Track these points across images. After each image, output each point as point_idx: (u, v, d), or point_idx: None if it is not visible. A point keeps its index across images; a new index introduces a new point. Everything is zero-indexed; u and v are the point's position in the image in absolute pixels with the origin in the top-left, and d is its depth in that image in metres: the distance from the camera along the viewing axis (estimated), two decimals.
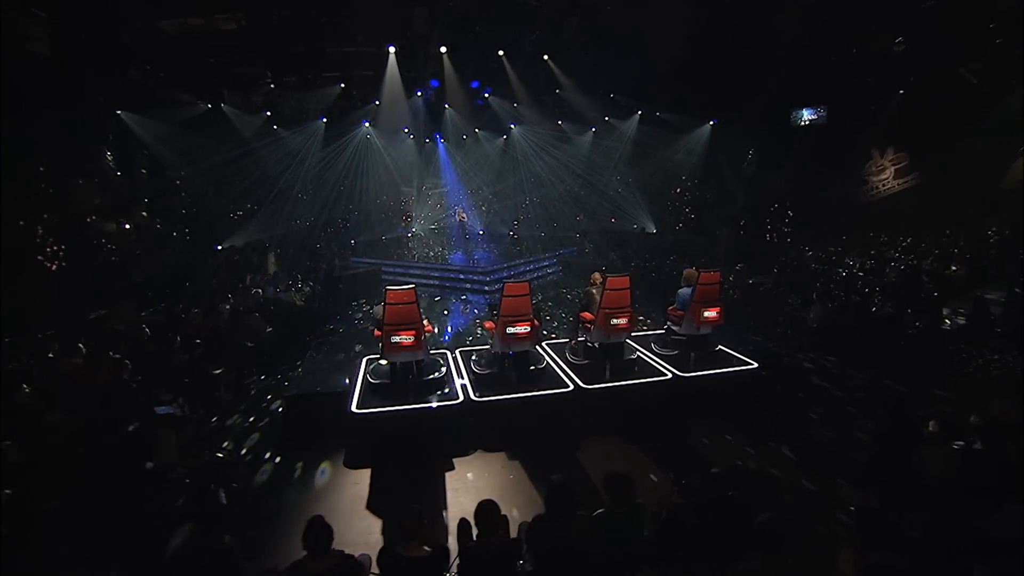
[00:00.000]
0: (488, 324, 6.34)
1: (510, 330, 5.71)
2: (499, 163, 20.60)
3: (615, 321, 6.05)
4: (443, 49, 12.28)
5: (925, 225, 12.11)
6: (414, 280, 13.92)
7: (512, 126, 19.06)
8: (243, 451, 5.29)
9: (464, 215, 17.32)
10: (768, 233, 15.22)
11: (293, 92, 14.89)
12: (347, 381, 5.92)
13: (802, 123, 14.38)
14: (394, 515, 4.12)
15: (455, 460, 5.01)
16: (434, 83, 16.07)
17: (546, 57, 12.98)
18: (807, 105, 14.25)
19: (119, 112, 11.97)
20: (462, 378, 6.00)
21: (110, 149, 11.79)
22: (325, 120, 16.78)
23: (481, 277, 12.73)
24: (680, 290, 6.69)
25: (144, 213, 12.05)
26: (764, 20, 11.38)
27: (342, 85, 15.08)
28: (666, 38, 11.60)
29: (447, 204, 20.25)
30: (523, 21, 11.20)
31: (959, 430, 3.75)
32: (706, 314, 6.34)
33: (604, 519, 2.80)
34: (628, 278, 6.04)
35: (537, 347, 6.76)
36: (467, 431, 5.34)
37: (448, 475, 4.75)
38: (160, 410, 4.20)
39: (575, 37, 11.61)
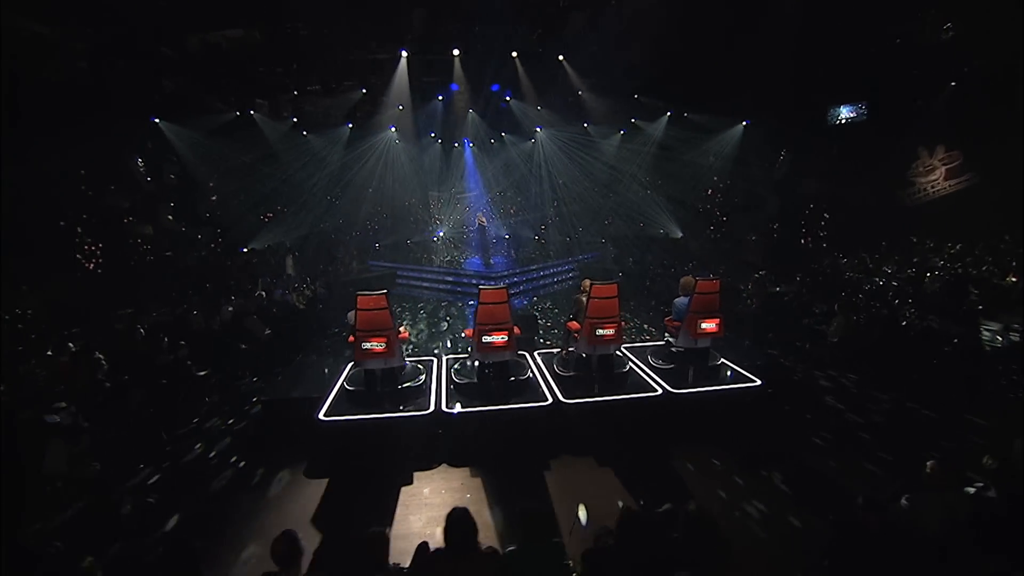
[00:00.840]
0: (467, 332, 6.09)
1: (486, 339, 5.47)
2: (525, 167, 20.38)
3: (601, 331, 5.70)
4: (455, 52, 12.17)
5: (979, 230, 10.94)
6: (427, 284, 14.06)
7: (538, 129, 18.82)
8: (211, 454, 5.26)
9: (484, 219, 17.14)
10: (803, 238, 14.25)
11: (317, 98, 15.24)
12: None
13: (840, 121, 13.37)
14: (337, 532, 3.94)
15: (416, 474, 4.77)
16: (453, 87, 16.02)
17: (561, 58, 12.62)
18: (845, 102, 13.24)
19: (156, 120, 12.59)
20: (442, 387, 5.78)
21: (142, 156, 12.38)
22: (351, 125, 17.04)
23: (468, 280, 12.51)
24: (676, 299, 6.22)
25: (170, 217, 12.58)
26: (797, 10, 10.62)
27: (364, 91, 15.27)
28: (693, 32, 11.05)
29: (470, 208, 20.18)
30: (530, 18, 10.91)
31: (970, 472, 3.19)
32: (703, 326, 5.86)
33: (509, 558, 2.48)
34: (616, 286, 5.66)
35: (527, 357, 6.50)
36: (434, 444, 5.09)
37: (403, 490, 4.51)
38: (48, 419, 4.09)
39: (588, 32, 11.26)
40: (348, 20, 11.06)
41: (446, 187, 21.64)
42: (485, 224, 17.01)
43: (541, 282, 13.48)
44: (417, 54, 12.33)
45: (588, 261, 15.78)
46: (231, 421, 5.99)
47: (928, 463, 2.93)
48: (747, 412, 5.62)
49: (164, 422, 5.41)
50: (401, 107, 16.10)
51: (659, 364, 6.28)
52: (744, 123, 15.55)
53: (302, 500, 4.40)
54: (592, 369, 6.01)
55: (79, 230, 11.15)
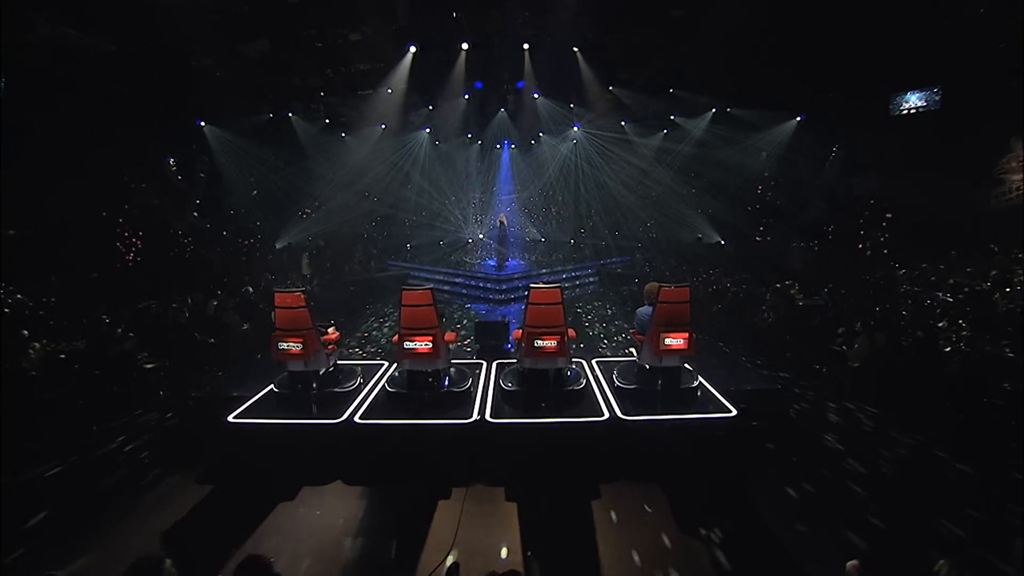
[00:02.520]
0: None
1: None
2: (563, 168, 19.76)
3: (540, 343, 4.94)
4: (464, 46, 11.78)
5: None
6: (443, 287, 13.71)
7: (576, 128, 18.13)
8: (127, 448, 5.10)
9: (505, 219, 16.62)
10: (860, 244, 12.42)
11: (350, 99, 15.49)
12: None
13: (906, 110, 11.49)
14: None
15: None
16: (478, 84, 15.68)
17: (576, 49, 11.86)
18: (914, 87, 11.36)
19: (202, 124, 13.32)
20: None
21: (174, 156, 13.09)
22: (384, 126, 17.21)
23: (494, 285, 11.92)
24: (640, 308, 5.33)
25: (196, 214, 13.19)
26: None
27: (389, 91, 15.30)
28: (741, 17, 9.91)
29: (495, 209, 19.76)
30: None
31: None
32: (667, 341, 4.93)
33: None
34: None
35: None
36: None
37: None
38: None
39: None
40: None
41: (484, 188, 21.43)
42: (505, 224, 16.52)
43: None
44: (425, 49, 12.04)
45: (614, 266, 14.74)
46: (169, 415, 5.84)
47: (849, 564, 1.98)
48: (712, 448, 4.63)
49: (97, 413, 5.34)
50: (432, 107, 16.06)
51: (623, 383, 5.39)
52: (798, 118, 13.98)
53: (179, 507, 4.05)
54: (533, 385, 5.26)
55: (121, 221, 11.93)
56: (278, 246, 15.21)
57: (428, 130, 18.23)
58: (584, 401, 5.11)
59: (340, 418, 4.82)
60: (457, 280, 12.95)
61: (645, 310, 5.17)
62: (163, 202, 12.57)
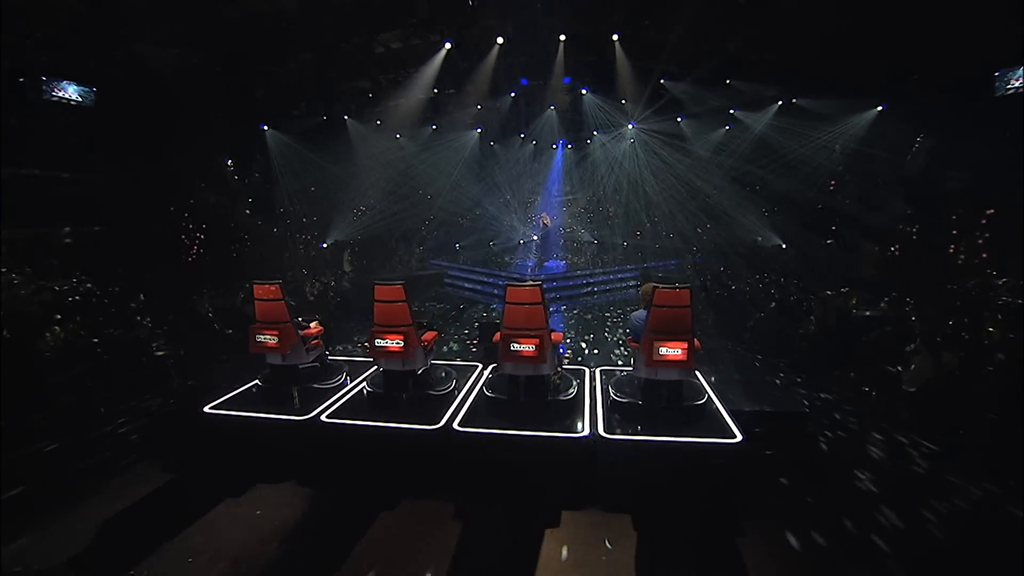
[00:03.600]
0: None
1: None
2: (614, 168, 19.10)
3: (516, 347, 4.47)
4: (499, 40, 11.48)
5: None
6: (467, 285, 13.52)
7: (631, 126, 17.41)
8: (120, 431, 5.28)
9: (548, 220, 16.15)
10: (953, 248, 10.63)
11: (399, 101, 15.82)
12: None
13: (1013, 89, 9.63)
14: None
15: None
16: (523, 81, 15.39)
17: (616, 38, 11.18)
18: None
19: (264, 127, 14.16)
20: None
21: (232, 156, 13.96)
22: (434, 127, 17.44)
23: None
24: (634, 312, 4.72)
25: (247, 211, 13.96)
26: None
27: (436, 90, 15.42)
28: None
29: (543, 210, 19.34)
30: None
31: None
32: (662, 351, 4.29)
33: None
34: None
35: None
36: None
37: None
38: None
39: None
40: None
41: (538, 189, 21.13)
42: (549, 225, 16.07)
43: (583, 289, 12.05)
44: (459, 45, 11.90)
45: (662, 269, 13.78)
46: (172, 402, 6.02)
47: None
48: (707, 479, 3.93)
49: (110, 397, 5.60)
50: (480, 106, 16.01)
51: (618, 396, 4.79)
52: (879, 107, 12.30)
53: (133, 495, 4.05)
54: (514, 393, 4.80)
55: (187, 215, 12.89)
56: (326, 243, 15.81)
57: (480, 130, 18.23)
58: (569, 414, 4.59)
59: (308, 415, 4.66)
60: (488, 280, 12.67)
61: (639, 314, 4.56)
62: (219, 200, 13.41)
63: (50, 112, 10.25)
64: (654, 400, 4.59)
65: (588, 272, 12.68)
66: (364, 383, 5.27)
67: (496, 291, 12.13)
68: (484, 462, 4.28)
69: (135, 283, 10.64)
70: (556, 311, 10.42)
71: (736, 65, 12.29)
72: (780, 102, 13.80)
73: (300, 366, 5.24)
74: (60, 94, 10.55)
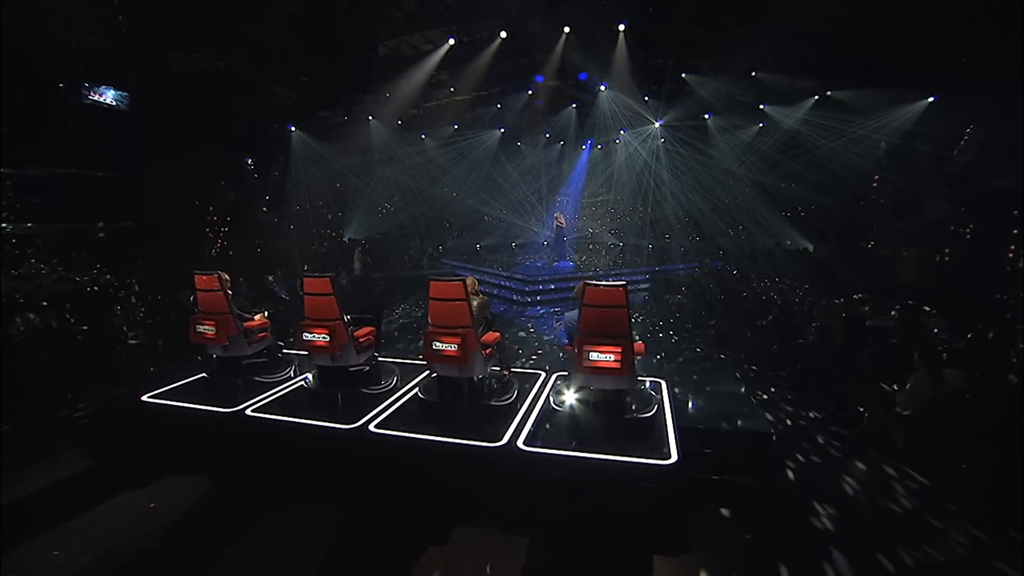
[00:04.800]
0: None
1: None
2: (640, 168, 18.51)
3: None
4: (502, 34, 11.22)
5: None
6: (480, 287, 13.26)
7: (658, 124, 16.77)
8: (75, 415, 5.38)
9: (563, 220, 15.68)
10: (1012, 251, 9.37)
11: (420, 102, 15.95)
12: None
13: None
14: None
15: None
16: (538, 78, 15.07)
17: (621, 28, 10.65)
18: None
19: (292, 128, 14.62)
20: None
21: (252, 156, 14.45)
22: (456, 126, 17.47)
23: (519, 286, 11.13)
24: (568, 312, 4.28)
25: (264, 209, 14.41)
26: None
27: (451, 89, 15.40)
28: None
29: (562, 210, 18.89)
30: None
31: None
32: (592, 356, 3.85)
33: None
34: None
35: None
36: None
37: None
38: None
39: None
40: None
41: (562, 189, 20.74)
42: (564, 225, 15.61)
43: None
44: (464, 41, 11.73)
45: (680, 272, 13.00)
46: (120, 390, 6.09)
47: None
48: (629, 504, 3.45)
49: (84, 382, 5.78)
50: (500, 105, 15.87)
51: (556, 405, 4.37)
52: (930, 99, 11.07)
53: (42, 480, 4.04)
54: (447, 396, 4.47)
55: (211, 209, 13.47)
56: (346, 240, 16.13)
57: (503, 130, 18.07)
58: (494, 421, 4.21)
59: (234, 408, 4.53)
60: (492, 280, 12.40)
61: (573, 314, 4.12)
62: (238, 197, 13.91)
63: (88, 115, 10.90)
64: (591, 411, 4.14)
65: (592, 274, 12.09)
66: (303, 380, 5.11)
67: (496, 291, 11.84)
68: (395, 466, 4.00)
69: (153, 276, 11.18)
70: (549, 313, 9.99)
71: (773, 55, 11.44)
72: (816, 96, 12.79)
73: (243, 358, 5.17)
74: (98, 98, 11.21)
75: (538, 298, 10.66)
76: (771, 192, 14.32)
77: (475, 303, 4.60)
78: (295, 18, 10.97)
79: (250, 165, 14.36)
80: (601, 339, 3.84)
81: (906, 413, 4.23)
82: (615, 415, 4.10)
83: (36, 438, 4.80)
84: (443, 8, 10.85)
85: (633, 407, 4.22)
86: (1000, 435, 3.77)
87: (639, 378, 4.95)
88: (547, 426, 4.13)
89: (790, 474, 4.01)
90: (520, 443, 3.79)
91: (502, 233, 19.32)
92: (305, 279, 4.59)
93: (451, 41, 11.54)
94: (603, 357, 3.81)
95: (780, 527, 3.38)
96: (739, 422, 4.28)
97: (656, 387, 4.82)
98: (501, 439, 3.85)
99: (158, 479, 4.00)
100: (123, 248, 11.77)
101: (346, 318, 4.63)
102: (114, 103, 11.22)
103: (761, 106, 13.83)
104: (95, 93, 11.01)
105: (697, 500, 3.57)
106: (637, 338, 4.20)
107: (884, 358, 5.08)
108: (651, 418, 4.13)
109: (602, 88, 15.15)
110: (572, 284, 11.86)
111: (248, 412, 4.49)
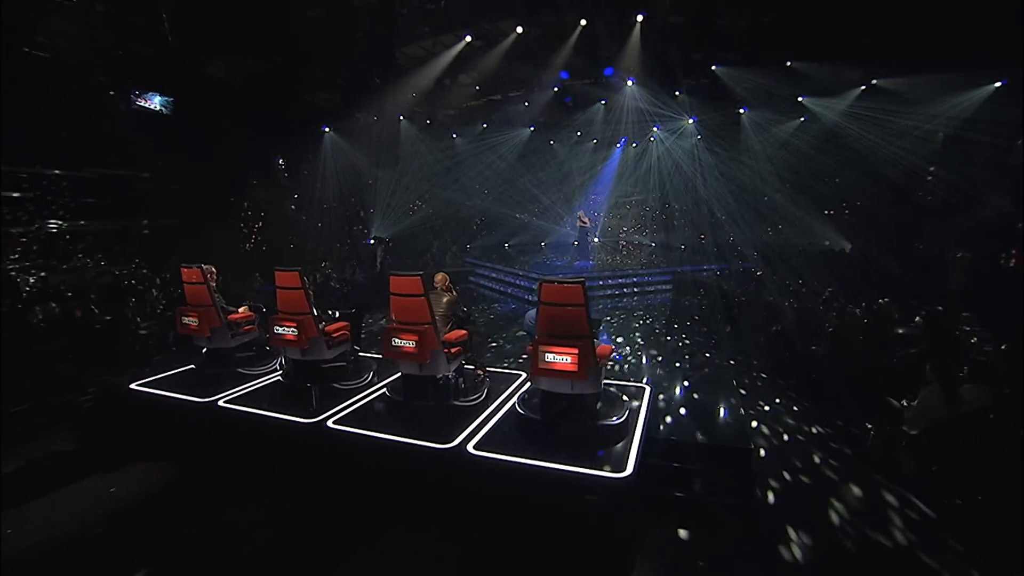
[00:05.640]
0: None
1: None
2: (671, 167, 17.93)
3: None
4: (519, 29, 11.05)
5: None
6: (495, 285, 13.14)
7: (692, 121, 16.20)
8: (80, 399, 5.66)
9: (586, 219, 15.31)
10: None
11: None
12: None
13: None
14: None
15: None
16: (563, 75, 14.82)
17: (639, 18, 10.22)
18: None
19: (325, 129, 15.10)
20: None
21: (283, 156, 14.99)
22: (485, 125, 17.51)
23: (528, 284, 10.90)
24: (529, 312, 4.06)
25: (292, 207, 14.90)
26: None
27: (477, 88, 15.43)
28: None
29: (587, 209, 18.48)
30: None
31: None
32: (548, 358, 3.62)
33: None
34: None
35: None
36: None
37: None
38: None
39: None
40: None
41: (594, 188, 20.35)
42: (587, 224, 15.27)
43: (612, 292, 11.17)
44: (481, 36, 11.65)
45: (707, 274, 12.34)
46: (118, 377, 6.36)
47: None
48: (575, 522, 3.20)
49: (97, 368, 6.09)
50: (527, 104, 15.77)
51: (520, 408, 4.16)
52: (997, 84, 9.94)
53: (22, 459, 4.24)
54: (411, 394, 4.36)
55: (246, 205, 14.10)
56: (371, 238, 16.45)
57: (533, 129, 17.92)
58: (457, 421, 4.06)
59: (207, 399, 4.62)
60: (507, 279, 12.25)
61: (532, 313, 3.90)
62: (268, 196, 14.47)
63: (136, 120, 11.66)
64: (553, 416, 3.91)
65: (609, 274, 11.69)
66: (278, 375, 5.15)
67: (510, 289, 11.68)
68: (348, 462, 3.93)
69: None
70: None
71: (816, 42, 10.67)
72: (863, 87, 11.85)
73: (229, 350, 5.27)
74: (145, 104, 11.96)
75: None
76: (810, 189, 13.38)
77: (444, 299, 4.49)
78: (325, 22, 11.30)
79: (281, 165, 14.90)
80: (558, 340, 3.61)
81: (913, 433, 3.73)
82: (578, 421, 3.85)
83: (35, 420, 5.06)
84: (466, 6, 10.81)
85: (601, 414, 3.96)
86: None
87: (624, 384, 4.69)
88: (505, 430, 3.94)
89: (770, 496, 3.61)
90: (470, 447, 3.63)
91: (532, 232, 19.13)
92: (276, 273, 4.61)
93: (468, 39, 11.47)
94: (559, 359, 3.57)
95: (741, 554, 3.03)
96: (719, 435, 3.92)
97: (637, 393, 4.52)
98: (452, 441, 3.70)
99: (126, 465, 4.12)
100: (162, 243, 12.45)
101: (315, 312, 4.61)
102: (160, 108, 11.96)
103: (800, 98, 12.96)
104: (143, 99, 11.78)
105: (654, 518, 3.27)
106: (604, 340, 3.94)
107: (897, 370, 4.52)
108: (618, 426, 3.85)
109: (629, 83, 14.67)
110: (594, 284, 11.62)
111: (220, 403, 4.56)
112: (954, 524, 3.23)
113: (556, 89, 15.39)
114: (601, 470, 3.26)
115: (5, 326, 6.05)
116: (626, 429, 3.84)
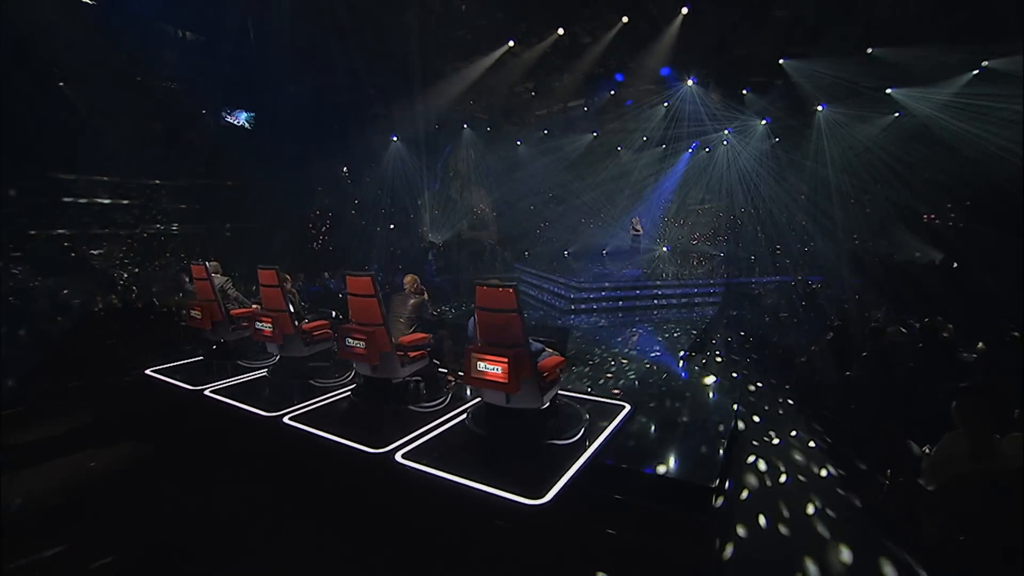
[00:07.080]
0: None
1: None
2: (742, 172, 16.76)
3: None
4: (560, 31, 10.79)
5: None
6: (533, 292, 12.87)
7: (765, 122, 15.07)
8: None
9: (640, 227, 14.54)
10: None
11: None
12: None
13: None
14: None
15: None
16: (618, 77, 14.38)
17: (684, 11, 9.54)
18: None
19: (394, 138, 15.97)
20: None
21: (349, 165, 15.99)
22: (546, 131, 17.52)
23: (564, 292, 10.49)
24: (470, 319, 3.82)
25: (353, 212, 15.78)
26: None
27: (533, 94, 15.48)
28: None
29: (630, 215, 17.58)
30: None
31: None
32: (479, 366, 3.38)
33: None
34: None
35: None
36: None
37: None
38: None
39: None
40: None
41: (659, 195, 19.47)
42: (640, 232, 14.57)
43: (637, 303, 10.43)
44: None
45: (762, 286, 11.14)
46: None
47: None
48: (480, 547, 2.91)
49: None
50: (587, 108, 15.53)
51: (471, 423, 3.94)
52: None
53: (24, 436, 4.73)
54: (372, 397, 4.31)
55: (317, 212, 15.27)
56: (427, 242, 16.96)
57: (596, 134, 17.58)
58: (406, 425, 3.93)
59: (196, 388, 4.91)
60: (545, 287, 11.96)
61: (473, 319, 3.67)
62: (333, 201, 15.49)
63: (223, 135, 13.09)
64: (499, 431, 3.65)
65: (654, 284, 10.93)
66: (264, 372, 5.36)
67: (545, 297, 11.37)
68: (302, 460, 3.95)
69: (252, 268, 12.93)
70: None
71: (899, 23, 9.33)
72: (975, 71, 10.12)
73: (229, 343, 5.61)
74: (232, 120, 13.40)
75: (583, 306, 9.93)
76: (902, 194, 11.58)
77: (411, 302, 4.41)
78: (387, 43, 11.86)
79: (345, 173, 15.90)
80: (490, 348, 3.35)
81: (930, 488, 2.95)
82: (522, 438, 3.55)
83: (63, 400, 5.64)
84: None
85: (551, 431, 3.62)
86: None
87: (600, 400, 4.32)
88: (449, 442, 3.74)
89: (729, 548, 3.04)
90: (399, 456, 3.47)
91: (594, 239, 18.52)
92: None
93: (510, 43, 11.42)
94: (491, 368, 3.32)
95: None
96: (690, 468, 3.41)
97: (611, 411, 4.10)
98: (384, 447, 3.58)
99: (117, 443, 4.48)
100: (238, 244, 13.72)
101: (291, 309, 4.74)
102: (244, 124, 13.33)
103: (888, 90, 11.32)
104: (230, 116, 13.19)
105: (570, 554, 2.88)
106: (552, 352, 3.61)
107: (938, 409, 3.65)
108: (567, 447, 3.51)
109: (690, 82, 13.81)
110: (630, 294, 10.97)
111: (207, 393, 4.84)
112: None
113: (612, 92, 14.92)
114: (517, 494, 2.96)
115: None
116: (576, 450, 3.48)
